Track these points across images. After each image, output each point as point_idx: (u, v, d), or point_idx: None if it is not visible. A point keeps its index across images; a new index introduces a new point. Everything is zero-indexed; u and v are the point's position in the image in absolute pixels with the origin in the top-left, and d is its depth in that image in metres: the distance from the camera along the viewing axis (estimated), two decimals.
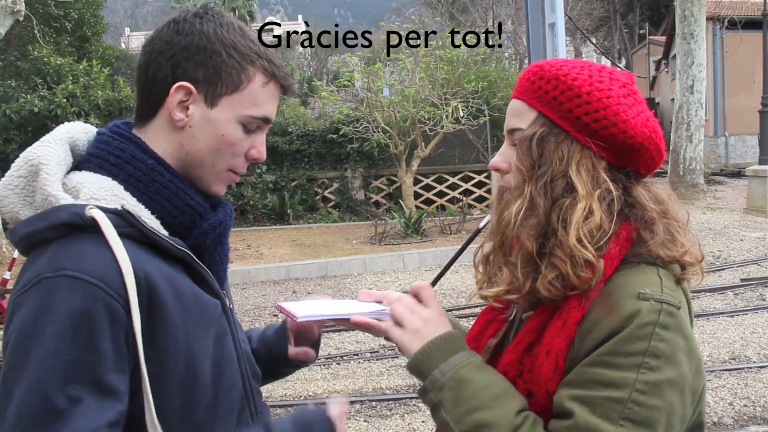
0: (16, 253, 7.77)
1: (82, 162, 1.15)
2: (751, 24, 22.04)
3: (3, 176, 1.10)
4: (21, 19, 13.47)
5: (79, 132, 1.19)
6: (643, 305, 1.09)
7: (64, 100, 13.92)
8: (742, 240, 11.65)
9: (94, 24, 20.30)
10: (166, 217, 1.15)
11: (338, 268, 10.66)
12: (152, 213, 1.13)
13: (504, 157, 1.30)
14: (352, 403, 5.39)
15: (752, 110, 19.10)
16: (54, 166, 1.08)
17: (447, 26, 23.35)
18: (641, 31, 50.79)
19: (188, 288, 1.13)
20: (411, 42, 14.07)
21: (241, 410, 1.24)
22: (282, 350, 1.49)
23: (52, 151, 1.10)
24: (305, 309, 1.35)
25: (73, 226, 1.02)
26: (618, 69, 1.24)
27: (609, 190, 1.17)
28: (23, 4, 13.17)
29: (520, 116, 1.25)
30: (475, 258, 1.39)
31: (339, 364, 6.42)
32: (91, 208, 1.02)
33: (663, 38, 34.47)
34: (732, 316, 7.29)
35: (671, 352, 1.07)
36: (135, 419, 1.02)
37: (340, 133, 14.72)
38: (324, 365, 6.37)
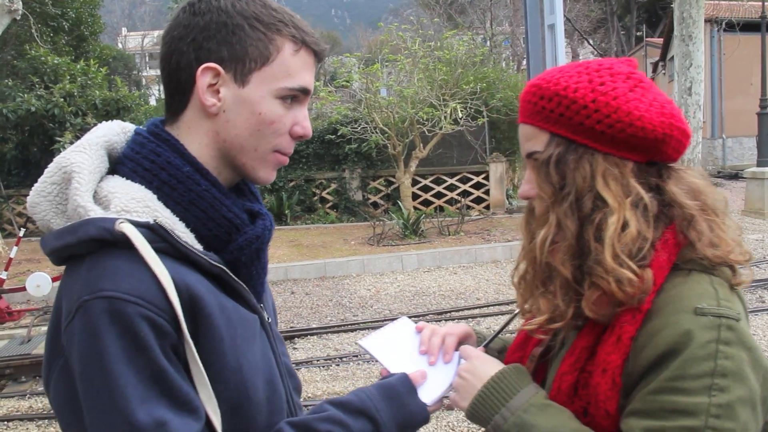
0: (12, 253, 7.73)
1: (117, 165, 1.10)
2: (749, 26, 22.08)
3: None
4: (18, 18, 13.41)
5: (117, 133, 1.13)
6: (701, 321, 1.04)
7: (62, 99, 13.88)
8: None
9: (92, 23, 20.27)
10: (201, 229, 1.09)
11: (336, 269, 10.63)
12: (186, 225, 1.07)
13: (530, 184, 1.23)
14: None
15: (749, 112, 19.12)
16: (86, 174, 1.02)
17: (445, 27, 23.34)
18: (638, 33, 50.86)
19: (228, 302, 1.07)
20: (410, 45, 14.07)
21: None
22: None
23: (86, 158, 1.04)
24: (386, 352, 1.37)
25: (103, 242, 0.97)
26: (616, 59, 1.19)
27: (641, 196, 1.12)
28: (20, 2, 13.10)
29: (533, 140, 1.20)
30: (512, 278, 1.33)
31: (338, 365, 6.39)
32: (121, 222, 0.97)
33: (660, 40, 34.50)
34: None
35: (738, 368, 1.03)
36: None
37: (339, 134, 14.69)
38: (323, 366, 6.34)
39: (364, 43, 54.46)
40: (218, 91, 1.09)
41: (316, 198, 15.93)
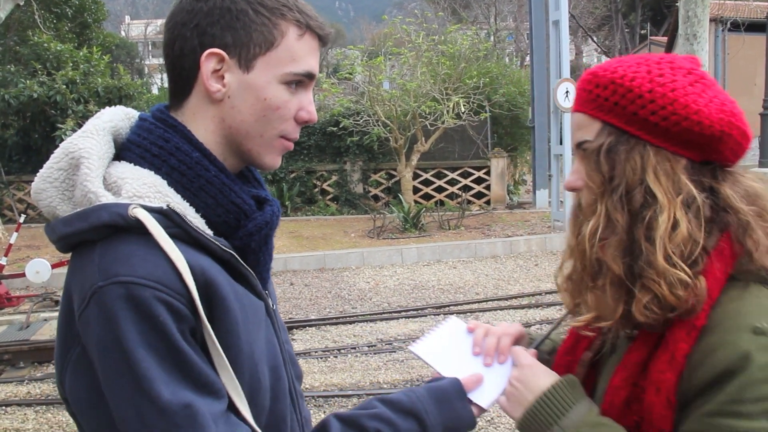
0: (13, 239, 7.73)
1: (122, 150, 1.09)
2: (753, 26, 22.01)
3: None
4: (21, 3, 13.38)
5: (122, 119, 1.12)
6: (760, 342, 1.00)
7: (64, 86, 13.84)
8: None
9: (95, 11, 20.18)
10: (210, 215, 1.08)
11: (336, 261, 10.63)
12: (196, 211, 1.07)
13: (578, 174, 1.19)
14: (348, 396, 5.37)
15: (753, 113, 19.06)
16: (96, 159, 1.01)
17: (450, 21, 23.29)
18: (642, 31, 50.77)
19: (238, 287, 1.07)
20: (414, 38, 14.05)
21: (289, 415, 1.19)
22: None
23: (95, 143, 1.03)
24: (438, 356, 1.36)
25: (116, 227, 0.96)
26: (679, 56, 1.15)
27: (693, 195, 1.07)
28: None
29: (584, 129, 1.16)
30: (556, 279, 1.29)
31: (336, 357, 6.39)
32: (134, 208, 0.96)
33: (664, 39, 34.43)
34: None
35: None
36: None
37: (340, 126, 14.67)
38: (321, 358, 6.35)
39: (368, 36, 54.32)
40: (223, 77, 1.08)
41: (316, 190, 15.92)
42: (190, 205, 1.06)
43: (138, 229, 0.96)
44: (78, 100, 14.01)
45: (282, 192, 15.19)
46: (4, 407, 5.38)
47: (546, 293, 8.52)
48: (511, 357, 1.31)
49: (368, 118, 13.99)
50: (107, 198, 0.98)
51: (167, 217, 0.99)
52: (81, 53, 15.09)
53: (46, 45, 15.04)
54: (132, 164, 1.06)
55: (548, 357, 1.38)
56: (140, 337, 0.91)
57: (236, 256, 1.08)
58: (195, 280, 0.96)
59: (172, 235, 0.98)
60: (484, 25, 37.81)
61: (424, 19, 15.82)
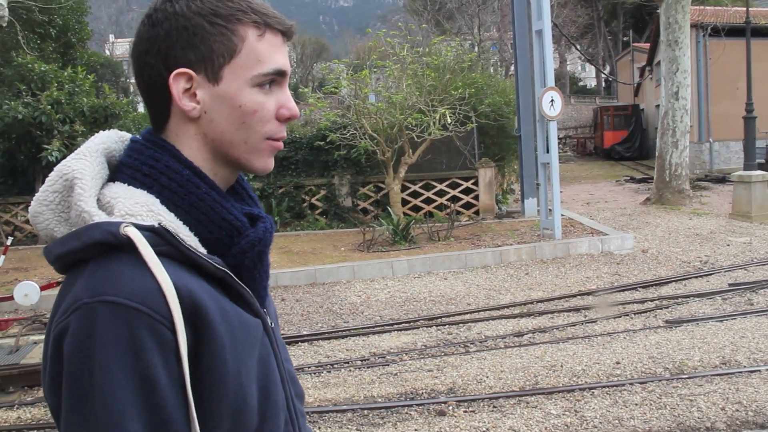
0: (9, 240, 7.67)
1: (116, 172, 1.10)
2: (734, 31, 22.26)
3: None
4: (4, 25, 13.33)
5: (115, 141, 1.13)
6: None
7: (49, 106, 13.78)
8: (728, 245, 11.71)
9: (79, 30, 20.18)
10: (203, 233, 1.09)
11: (327, 276, 10.61)
12: (190, 228, 1.07)
13: None
14: (343, 411, 5.34)
15: (736, 116, 19.24)
16: (89, 180, 1.02)
17: (434, 33, 23.38)
18: (625, 38, 51.22)
19: (230, 307, 1.06)
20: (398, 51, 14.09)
21: None
22: None
23: (87, 164, 1.04)
24: None
25: (107, 246, 0.96)
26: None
27: None
28: (6, 10, 13.04)
29: None
30: None
31: (329, 372, 6.37)
32: (126, 226, 0.97)
33: (647, 45, 34.74)
34: (721, 320, 7.31)
35: None
36: None
37: (327, 140, 14.67)
38: (314, 373, 6.32)
39: (353, 50, 54.53)
40: (195, 94, 1.09)
41: (305, 204, 15.89)
42: (184, 223, 1.07)
43: (129, 247, 0.96)
44: (63, 120, 13.95)
45: (271, 207, 15.15)
46: None
47: (537, 302, 8.53)
48: None
49: (355, 132, 13.99)
50: (100, 217, 0.99)
51: (158, 235, 0.99)
52: (66, 73, 15.04)
53: (30, 66, 14.99)
54: (125, 185, 1.07)
55: None
56: (114, 359, 0.91)
57: (230, 273, 1.08)
58: (181, 302, 0.96)
59: (163, 254, 0.98)
60: (468, 36, 38.02)
61: (408, 31, 15.88)
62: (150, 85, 1.10)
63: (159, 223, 1.01)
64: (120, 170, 1.10)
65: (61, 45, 19.12)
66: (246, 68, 1.09)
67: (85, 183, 1.02)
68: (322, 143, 15.10)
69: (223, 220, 1.10)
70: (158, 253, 0.98)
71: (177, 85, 1.08)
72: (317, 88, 20.37)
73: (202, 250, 1.06)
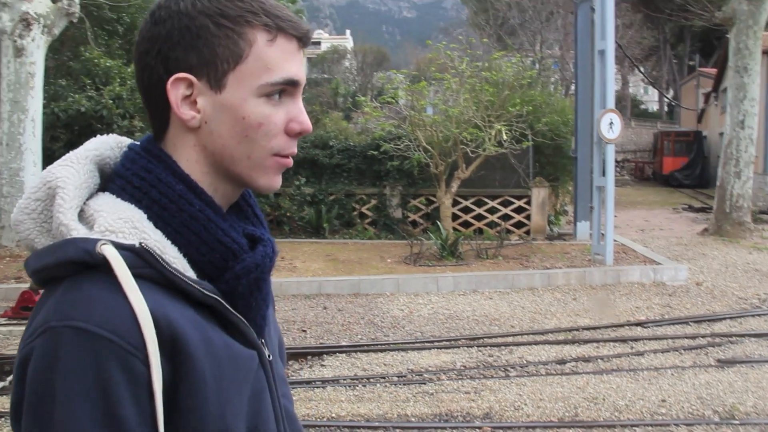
0: None
1: (108, 181, 1.01)
2: None
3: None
4: (75, 20, 13.71)
5: (111, 147, 1.04)
6: None
7: (111, 101, 14.12)
8: None
9: None
10: (194, 254, 0.98)
11: (371, 287, 10.53)
12: (179, 249, 0.97)
13: None
14: (375, 428, 5.25)
15: None
16: (72, 190, 0.93)
17: (495, 48, 23.22)
18: (691, 63, 50.10)
19: (219, 338, 0.96)
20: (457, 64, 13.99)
21: None
22: None
23: (72, 172, 0.95)
24: None
25: (82, 264, 0.87)
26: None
27: None
28: (78, 6, 13.40)
29: None
30: None
31: (365, 386, 6.28)
32: (103, 245, 0.87)
33: (713, 71, 33.88)
34: None
35: None
36: None
37: (381, 150, 14.65)
38: (349, 386, 6.24)
39: (413, 61, 54.64)
40: (195, 102, 0.99)
41: (355, 213, 15.89)
42: (173, 242, 0.97)
43: (105, 267, 0.87)
44: (123, 115, 14.26)
45: (320, 214, 15.20)
46: None
47: (584, 329, 8.29)
48: None
49: (409, 143, 13.93)
50: (78, 232, 0.90)
51: (139, 256, 0.90)
52: (129, 69, 15.39)
53: (96, 61, 15.40)
54: (114, 196, 0.98)
55: None
56: (77, 391, 0.82)
57: (221, 301, 0.98)
58: (158, 332, 0.86)
59: (143, 277, 0.89)
60: (530, 53, 37.66)
61: (468, 45, 15.76)
62: (149, 88, 1.01)
63: (141, 243, 0.91)
64: (112, 180, 1.01)
65: (127, 42, 19.55)
66: (252, 76, 0.99)
67: (67, 193, 0.93)
68: (375, 152, 15.08)
69: (218, 242, 0.99)
70: (138, 276, 0.88)
71: (176, 91, 0.98)
72: (375, 97, 20.39)
73: (191, 274, 0.96)
